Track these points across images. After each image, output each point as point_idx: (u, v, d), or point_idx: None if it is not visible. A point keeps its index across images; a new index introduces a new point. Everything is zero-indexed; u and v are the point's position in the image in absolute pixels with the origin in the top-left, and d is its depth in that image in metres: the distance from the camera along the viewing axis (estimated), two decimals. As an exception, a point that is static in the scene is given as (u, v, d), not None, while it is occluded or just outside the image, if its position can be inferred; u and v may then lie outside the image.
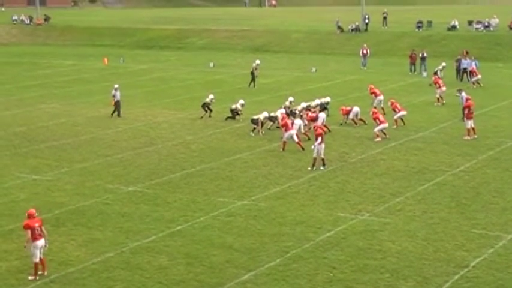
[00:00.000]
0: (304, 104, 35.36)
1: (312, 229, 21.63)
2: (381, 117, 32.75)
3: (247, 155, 30.19)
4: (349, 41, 67.30)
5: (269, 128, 33.93)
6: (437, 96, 40.35)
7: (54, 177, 27.60)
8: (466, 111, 32.52)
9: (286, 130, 30.68)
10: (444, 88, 40.60)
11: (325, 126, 33.58)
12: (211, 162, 29.17)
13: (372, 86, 39.50)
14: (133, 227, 22.08)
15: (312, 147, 27.85)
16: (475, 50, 56.50)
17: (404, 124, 34.80)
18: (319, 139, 27.41)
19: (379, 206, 23.58)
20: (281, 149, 30.57)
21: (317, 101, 36.06)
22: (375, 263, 19.15)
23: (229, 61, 62.15)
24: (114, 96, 38.38)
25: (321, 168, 27.61)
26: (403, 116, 34.94)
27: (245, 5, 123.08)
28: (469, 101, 32.93)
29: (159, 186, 26.14)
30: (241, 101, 36.97)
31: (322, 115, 33.80)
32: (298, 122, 32.43)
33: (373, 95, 38.56)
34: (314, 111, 34.44)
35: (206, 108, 37.46)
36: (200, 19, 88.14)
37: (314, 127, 28.66)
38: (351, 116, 35.20)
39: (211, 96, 37.95)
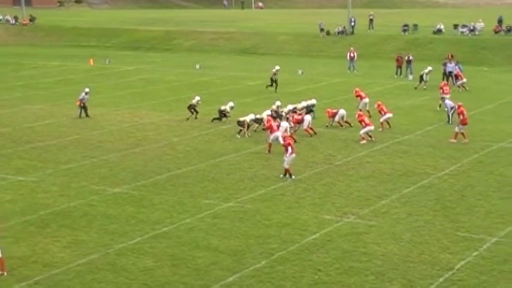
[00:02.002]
0: (290, 106, 35.41)
1: (297, 231, 21.65)
2: (367, 120, 32.85)
3: (233, 157, 30.19)
4: (335, 43, 67.46)
5: (255, 130, 33.95)
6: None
7: (39, 178, 27.49)
8: (461, 118, 32.36)
9: (271, 132, 30.70)
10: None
11: (311, 128, 33.67)
12: (197, 164, 29.15)
13: (358, 89, 39.62)
14: (118, 229, 22.02)
15: (285, 158, 27.00)
16: (460, 53, 56.78)
17: (390, 127, 34.93)
18: (289, 149, 26.64)
19: (365, 208, 23.64)
20: (267, 151, 30.59)
21: (303, 103, 36.11)
22: (360, 265, 19.20)
23: (216, 63, 62.12)
24: (82, 98, 38.26)
25: (287, 178, 26.78)
26: (389, 118, 35.07)
27: (224, 7, 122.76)
28: (461, 108, 32.83)
29: (144, 188, 26.09)
30: (231, 103, 36.95)
31: (307, 117, 33.89)
32: (284, 124, 32.45)
33: (358, 98, 38.68)
34: (300, 114, 34.51)
35: (192, 110, 37.44)
36: (187, 21, 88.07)
37: (283, 138, 27.96)
38: (337, 118, 35.28)
39: (197, 98, 37.93)
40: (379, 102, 35.71)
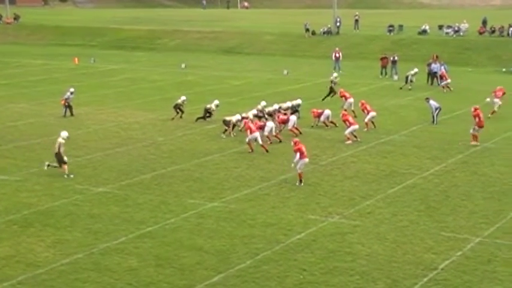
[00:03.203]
0: (276, 106, 35.42)
1: (282, 231, 21.65)
2: (351, 119, 32.89)
3: (218, 157, 30.15)
4: (321, 43, 67.56)
5: (240, 130, 33.92)
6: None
7: (23, 177, 27.32)
8: (477, 120, 31.89)
9: (250, 133, 30.68)
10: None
11: (296, 128, 33.68)
12: (182, 164, 29.09)
13: (342, 89, 39.71)
14: (102, 228, 21.93)
15: (292, 165, 26.49)
16: (445, 54, 57.05)
17: (374, 127, 35.00)
18: (298, 155, 26.10)
19: (349, 208, 23.68)
20: (249, 151, 30.56)
21: (288, 104, 36.12)
22: (345, 265, 19.22)
23: (200, 62, 62.04)
24: (67, 98, 38.11)
25: (302, 184, 26.28)
26: (373, 117, 35.13)
27: (203, 6, 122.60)
28: (477, 111, 32.12)
29: (129, 188, 26.00)
30: (216, 102, 36.93)
31: (293, 118, 33.92)
32: (270, 124, 32.51)
33: (343, 98, 38.75)
34: (285, 114, 34.53)
35: (178, 110, 37.35)
36: (172, 20, 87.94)
37: (294, 142, 26.64)
38: (322, 118, 35.31)
39: (183, 97, 37.84)
40: (363, 101, 35.80)
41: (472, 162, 29.34)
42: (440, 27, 69.76)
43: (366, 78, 52.51)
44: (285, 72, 54.76)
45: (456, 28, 67.77)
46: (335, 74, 45.31)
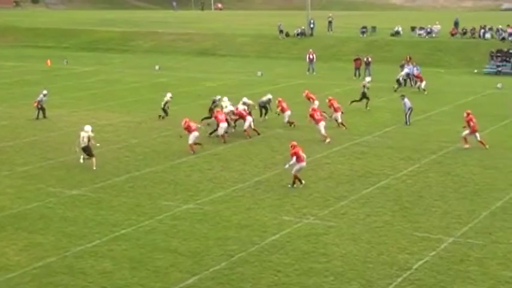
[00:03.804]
0: (245, 99, 35.76)
1: (257, 233, 21.64)
2: (317, 116, 33.00)
3: (192, 159, 30.08)
4: (295, 45, 67.72)
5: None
6: None
7: (-5, 180, 27.05)
8: (471, 125, 31.56)
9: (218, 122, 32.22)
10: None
11: (254, 130, 33.49)
12: (156, 166, 28.98)
13: (307, 91, 39.53)
14: (76, 231, 21.77)
15: (286, 166, 26.34)
16: (417, 55, 57.46)
17: (345, 128, 35.10)
18: (294, 158, 25.76)
19: (324, 209, 23.74)
20: (223, 141, 32.01)
21: (244, 99, 35.88)
22: (320, 266, 19.26)
23: (175, 64, 61.91)
24: (40, 100, 37.85)
25: (294, 186, 26.08)
26: (338, 117, 35.33)
27: (173, 8, 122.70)
28: (470, 116, 31.74)
29: (103, 190, 25.84)
30: (169, 94, 37.76)
31: (249, 118, 33.61)
32: (249, 118, 33.29)
33: (310, 100, 38.45)
34: (245, 110, 34.02)
35: (166, 110, 37.35)
36: (145, 22, 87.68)
37: (291, 145, 26.27)
38: (286, 119, 35.47)
39: (169, 94, 37.81)
40: (330, 97, 35.96)
41: (445, 162, 29.56)
42: (413, 28, 70.29)
43: (340, 79, 52.72)
44: (259, 73, 54.82)
45: (428, 30, 68.33)
46: (368, 79, 43.06)
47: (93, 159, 28.40)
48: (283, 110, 35.95)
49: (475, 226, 22.19)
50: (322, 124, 32.73)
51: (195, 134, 30.67)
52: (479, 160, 29.85)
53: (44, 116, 38.03)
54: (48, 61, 61.33)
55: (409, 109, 36.29)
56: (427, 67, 54.22)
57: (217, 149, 31.48)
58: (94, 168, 28.22)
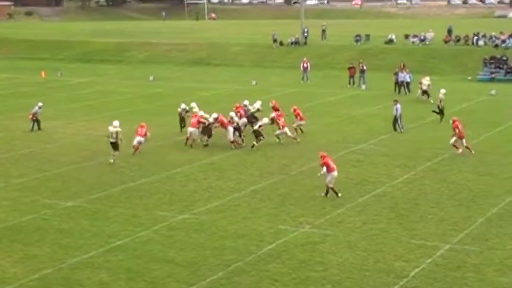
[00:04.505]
0: (256, 105, 36.29)
1: (253, 242, 21.63)
2: (281, 122, 33.66)
3: (187, 168, 30.07)
4: (289, 54, 67.81)
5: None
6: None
7: (-10, 193, 26.99)
8: (456, 131, 31.64)
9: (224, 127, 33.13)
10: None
11: (237, 142, 33.29)
12: (152, 176, 28.96)
13: (274, 101, 38.06)
14: (72, 243, 21.73)
15: (318, 174, 26.12)
16: (411, 62, 57.56)
17: (302, 132, 35.45)
18: (325, 168, 25.54)
19: (320, 218, 23.74)
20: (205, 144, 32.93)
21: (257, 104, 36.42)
22: (317, 275, 19.25)
23: (169, 74, 61.93)
24: (35, 112, 37.85)
25: (328, 195, 25.87)
26: (301, 125, 35.58)
27: (163, 18, 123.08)
28: (456, 122, 31.81)
29: (98, 201, 25.81)
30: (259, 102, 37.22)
31: (230, 129, 33.24)
32: (230, 128, 33.02)
33: (297, 117, 37.24)
34: (229, 121, 33.90)
35: (182, 120, 36.69)
36: (139, 32, 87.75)
37: (320, 156, 26.00)
38: (256, 126, 34.64)
39: (183, 106, 37.18)
40: (295, 107, 35.98)
41: (440, 169, 29.60)
42: (407, 36, 70.44)
43: (334, 87, 52.79)
44: (254, 82, 54.88)
45: (422, 37, 68.50)
46: (443, 91, 39.93)
47: (117, 153, 30.61)
48: (300, 117, 35.74)
49: (471, 233, 22.22)
50: (285, 129, 33.66)
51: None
52: (474, 167, 29.90)
53: (39, 128, 38.00)
54: (43, 73, 61.29)
55: (398, 115, 36.37)
56: (421, 74, 54.12)
57: (212, 159, 31.48)
58: (111, 161, 30.41)
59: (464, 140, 31.75)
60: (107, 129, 31.33)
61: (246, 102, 36.78)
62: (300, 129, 35.68)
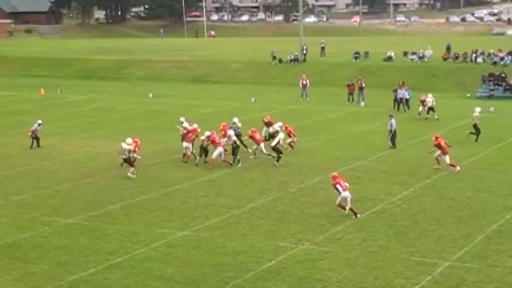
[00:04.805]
0: (276, 126, 35.89)
1: (252, 259, 21.59)
2: (257, 136, 34.11)
3: (187, 186, 30.06)
4: (288, 71, 67.98)
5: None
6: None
7: (-11, 210, 26.94)
8: (440, 149, 31.91)
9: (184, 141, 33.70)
10: None
11: (224, 161, 32.99)
12: (151, 193, 28.94)
13: (287, 126, 37.01)
14: (71, 260, 21.68)
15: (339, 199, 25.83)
16: (410, 80, 57.67)
17: (293, 148, 35.57)
18: (338, 188, 25.35)
19: (319, 234, 23.70)
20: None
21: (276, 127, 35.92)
22: (316, 292, 19.19)
23: (168, 91, 62.04)
24: (35, 130, 37.90)
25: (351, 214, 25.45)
26: (294, 142, 35.83)
27: (160, 35, 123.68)
28: (438, 139, 32.11)
29: (97, 218, 25.77)
30: (279, 123, 36.36)
31: (220, 149, 32.89)
32: (220, 148, 32.67)
33: (291, 135, 36.84)
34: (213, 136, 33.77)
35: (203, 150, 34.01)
36: (139, 50, 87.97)
37: (332, 177, 26.04)
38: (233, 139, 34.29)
39: (207, 133, 34.24)
40: (286, 125, 36.14)
41: (439, 186, 29.60)
42: (405, 53, 70.64)
43: (333, 104, 52.88)
44: (253, 99, 54.97)
45: (421, 54, 68.70)
46: (478, 109, 39.21)
47: (132, 169, 31.27)
48: (293, 135, 35.92)
49: (471, 250, 22.18)
50: (261, 145, 33.94)
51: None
52: (473, 184, 29.90)
53: (38, 145, 38.02)
54: (42, 90, 61.39)
55: (393, 131, 36.49)
56: (420, 92, 54.20)
57: (212, 176, 31.46)
58: (129, 174, 31.08)
59: (447, 157, 31.89)
60: (120, 145, 31.82)
61: (236, 119, 36.44)
62: (291, 145, 35.79)
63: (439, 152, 32.11)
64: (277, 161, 33.09)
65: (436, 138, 32.36)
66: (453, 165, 31.92)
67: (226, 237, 23.60)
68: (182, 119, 36.76)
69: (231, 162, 33.12)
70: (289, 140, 35.88)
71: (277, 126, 36.05)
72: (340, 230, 24.16)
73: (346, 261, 21.36)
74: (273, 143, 33.45)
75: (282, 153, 33.46)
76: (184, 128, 35.07)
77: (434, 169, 31.88)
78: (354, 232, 23.93)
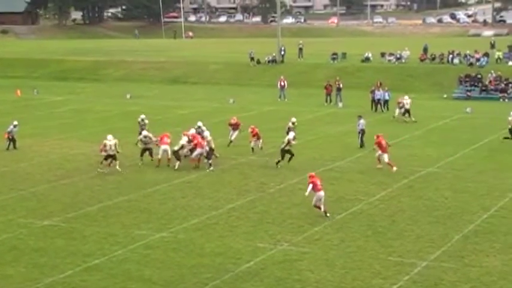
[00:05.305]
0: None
1: (231, 260, 21.56)
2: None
3: (165, 187, 29.96)
4: (266, 72, 68.01)
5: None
6: None
7: (-35, 212, 26.69)
8: (380, 148, 32.33)
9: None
10: None
11: (198, 160, 32.94)
12: (129, 195, 28.80)
13: (254, 127, 37.10)
14: (48, 262, 21.52)
15: (306, 194, 25.85)
16: (388, 81, 57.85)
17: (261, 149, 35.69)
18: (310, 186, 25.37)
19: (298, 235, 23.72)
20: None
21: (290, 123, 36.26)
22: (294, 292, 19.20)
23: (146, 92, 61.81)
24: (10, 131, 37.59)
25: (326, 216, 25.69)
26: (260, 143, 35.89)
27: (135, 37, 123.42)
28: (379, 138, 32.54)
29: (75, 220, 25.60)
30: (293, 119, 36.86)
31: (200, 151, 32.77)
32: (200, 150, 32.57)
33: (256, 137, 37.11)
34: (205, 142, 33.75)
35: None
36: (116, 50, 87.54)
37: (309, 176, 26.02)
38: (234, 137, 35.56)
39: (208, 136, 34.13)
40: (253, 127, 36.17)
41: (417, 187, 29.74)
42: (383, 54, 70.97)
43: (311, 105, 52.98)
44: (231, 100, 54.94)
45: (398, 55, 69.06)
46: None
47: (117, 162, 32.07)
48: (258, 138, 35.80)
49: (448, 250, 22.31)
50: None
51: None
52: (450, 184, 30.08)
53: (15, 147, 37.70)
54: (18, 91, 60.90)
55: (360, 131, 36.73)
56: (397, 92, 54.42)
57: (190, 177, 31.39)
58: (118, 168, 32.06)
59: (386, 156, 32.23)
60: (102, 143, 32.24)
61: (200, 123, 36.02)
62: (260, 147, 35.75)
63: (379, 152, 32.42)
64: (278, 162, 32.95)
65: (377, 136, 32.80)
66: (391, 165, 32.15)
67: (205, 238, 23.56)
68: (200, 123, 35.70)
69: (199, 165, 32.83)
70: (254, 143, 35.75)
71: (290, 136, 33.91)
72: (318, 230, 24.20)
73: (325, 261, 21.40)
74: (282, 146, 32.97)
75: (293, 154, 33.00)
76: (192, 136, 33.43)
77: (377, 168, 32.12)
78: (333, 233, 23.98)
